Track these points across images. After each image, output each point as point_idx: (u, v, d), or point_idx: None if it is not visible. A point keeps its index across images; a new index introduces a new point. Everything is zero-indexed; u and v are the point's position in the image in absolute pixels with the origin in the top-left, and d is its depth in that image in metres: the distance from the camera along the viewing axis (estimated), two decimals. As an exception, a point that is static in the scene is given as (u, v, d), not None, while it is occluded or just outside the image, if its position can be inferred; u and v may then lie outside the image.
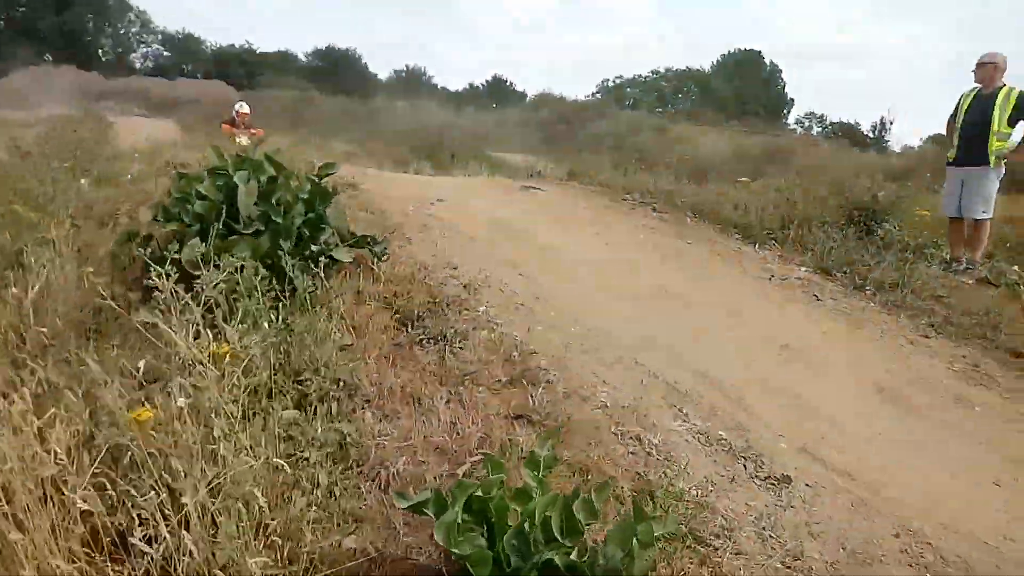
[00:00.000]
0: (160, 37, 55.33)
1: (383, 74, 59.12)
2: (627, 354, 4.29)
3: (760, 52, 54.29)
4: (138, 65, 53.52)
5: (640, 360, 4.24)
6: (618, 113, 31.61)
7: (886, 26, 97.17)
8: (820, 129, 42.11)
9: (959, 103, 6.78)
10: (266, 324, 3.13)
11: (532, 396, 3.53)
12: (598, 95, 46.73)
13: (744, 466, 3.41)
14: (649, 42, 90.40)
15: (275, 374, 3.03)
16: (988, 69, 6.59)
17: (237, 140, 11.19)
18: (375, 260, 4.56)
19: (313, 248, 4.05)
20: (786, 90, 55.06)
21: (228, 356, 2.44)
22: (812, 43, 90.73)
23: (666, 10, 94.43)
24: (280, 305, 3.33)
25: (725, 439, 3.60)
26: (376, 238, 4.56)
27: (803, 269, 6.53)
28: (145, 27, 55.02)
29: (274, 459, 2.18)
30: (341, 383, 3.22)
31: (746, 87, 51.42)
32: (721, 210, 7.54)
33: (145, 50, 55.72)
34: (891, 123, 32.98)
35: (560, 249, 6.08)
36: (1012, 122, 6.51)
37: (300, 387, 3.07)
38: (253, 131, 12.24)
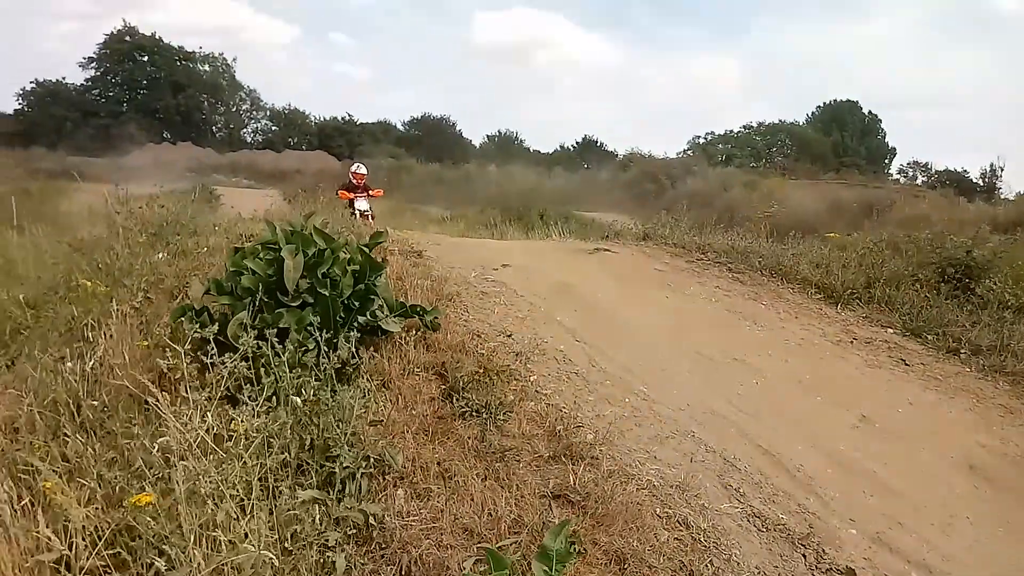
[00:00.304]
0: (268, 113, 58.81)
1: (477, 139, 60.73)
2: (684, 427, 4.07)
3: (857, 102, 52.87)
4: (248, 139, 57.07)
5: (698, 434, 4.02)
6: (707, 169, 31.21)
7: (988, 68, 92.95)
8: (925, 179, 40.27)
9: None
10: (297, 399, 3.11)
11: (575, 473, 3.37)
12: (689, 151, 46.36)
13: (804, 555, 3.14)
14: (741, 96, 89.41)
15: (301, 451, 3.00)
16: None
17: (356, 205, 11.34)
18: (426, 329, 4.54)
19: (360, 319, 4.05)
20: (887, 139, 53.27)
21: (241, 435, 2.41)
22: (912, 90, 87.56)
23: (755, 64, 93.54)
24: (314, 378, 3.31)
25: (785, 523, 3.33)
26: (426, 307, 4.53)
27: (890, 331, 6.11)
28: (255, 104, 58.73)
29: (262, 550, 2.10)
30: (371, 460, 3.16)
31: (844, 138, 50.00)
32: (800, 269, 7.19)
33: (255, 125, 59.33)
34: (1002, 169, 31.04)
35: (624, 313, 5.91)
36: None
37: (328, 464, 3.02)
38: (371, 192, 11.97)
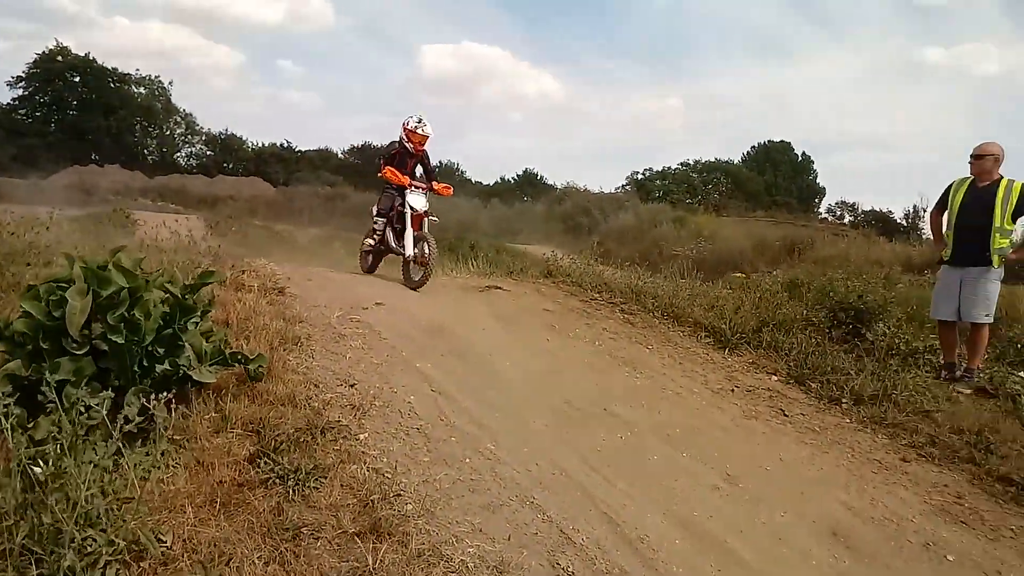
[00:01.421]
0: (204, 137, 57.57)
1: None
2: (525, 492, 3.69)
3: (790, 143, 54.29)
4: (182, 164, 55.68)
5: (538, 500, 3.64)
6: (638, 205, 31.35)
7: (916, 114, 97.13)
8: (851, 218, 41.29)
9: (949, 195, 6.11)
10: (37, 468, 2.64)
11: (375, 554, 2.95)
12: (627, 187, 46.73)
13: (623, 649, 2.77)
14: (680, 135, 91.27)
15: (27, 536, 2.52)
16: (988, 161, 5.92)
17: (408, 199, 7.56)
18: (252, 380, 4.09)
19: (159, 368, 3.59)
20: (818, 180, 54.70)
21: None
22: (843, 131, 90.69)
23: (694, 104, 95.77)
24: (101, 439, 2.84)
25: (610, 610, 2.97)
26: (249, 355, 4.09)
27: (774, 378, 5.89)
28: (190, 128, 57.48)
29: None
30: (123, 543, 2.69)
31: (777, 177, 51.15)
32: (693, 312, 6.96)
33: (189, 149, 58.02)
34: (924, 210, 31.98)
35: (496, 359, 5.55)
36: (1014, 217, 5.88)
37: (59, 551, 2.55)
38: (435, 186, 7.88)
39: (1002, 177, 5.90)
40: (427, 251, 7.25)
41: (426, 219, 7.71)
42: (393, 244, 7.82)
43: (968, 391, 5.86)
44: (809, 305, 7.18)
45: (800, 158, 54.70)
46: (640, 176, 49.25)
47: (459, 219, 27.84)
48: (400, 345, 5.33)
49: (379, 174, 7.93)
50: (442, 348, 5.52)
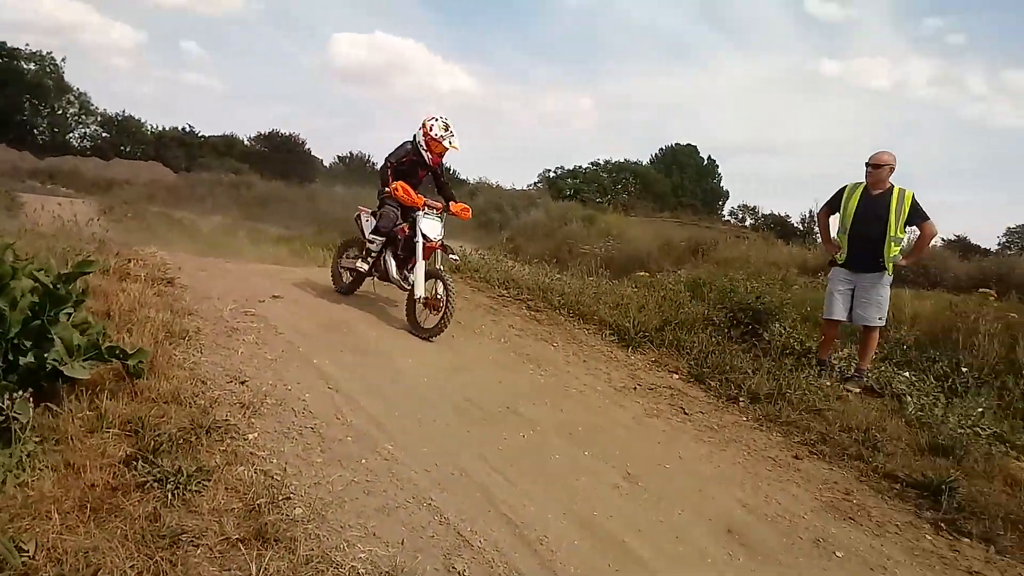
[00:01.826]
0: (99, 118, 54.68)
1: (329, 160, 59.04)
2: (423, 493, 3.57)
3: (695, 146, 55.92)
4: (75, 145, 52.72)
5: (436, 501, 3.53)
6: (549, 202, 31.54)
7: (814, 122, 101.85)
8: (752, 221, 42.86)
9: (843, 200, 6.26)
10: None
11: (260, 561, 2.77)
12: (539, 185, 47.00)
13: (517, 655, 2.69)
14: (592, 135, 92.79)
15: None
16: (885, 171, 6.06)
17: (419, 224, 6.21)
18: (132, 376, 3.82)
19: (23, 362, 3.30)
20: (722, 183, 56.53)
21: None
22: (746, 137, 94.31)
23: (606, 105, 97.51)
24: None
25: (506, 614, 2.89)
26: (129, 349, 3.81)
27: (675, 377, 5.97)
28: (85, 108, 54.43)
29: None
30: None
31: (683, 180, 52.57)
32: (599, 310, 6.99)
33: (84, 131, 54.98)
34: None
35: (398, 356, 5.41)
36: (906, 226, 6.12)
37: None
38: (452, 207, 6.61)
39: (893, 186, 6.12)
40: (441, 293, 5.95)
41: (439, 251, 6.38)
42: (393, 274, 6.36)
43: (857, 390, 6.08)
44: (710, 305, 7.32)
45: (705, 162, 56.45)
46: (552, 174, 49.63)
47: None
48: (297, 341, 5.12)
49: (384, 187, 6.35)
50: (341, 344, 5.34)
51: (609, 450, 4.58)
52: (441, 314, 5.85)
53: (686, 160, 54.64)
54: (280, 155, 54.00)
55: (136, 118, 55.82)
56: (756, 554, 3.77)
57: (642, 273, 10.91)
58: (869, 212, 6.10)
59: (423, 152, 6.48)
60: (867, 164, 6.15)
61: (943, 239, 25.62)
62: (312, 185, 41.08)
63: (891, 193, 6.05)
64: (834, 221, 6.46)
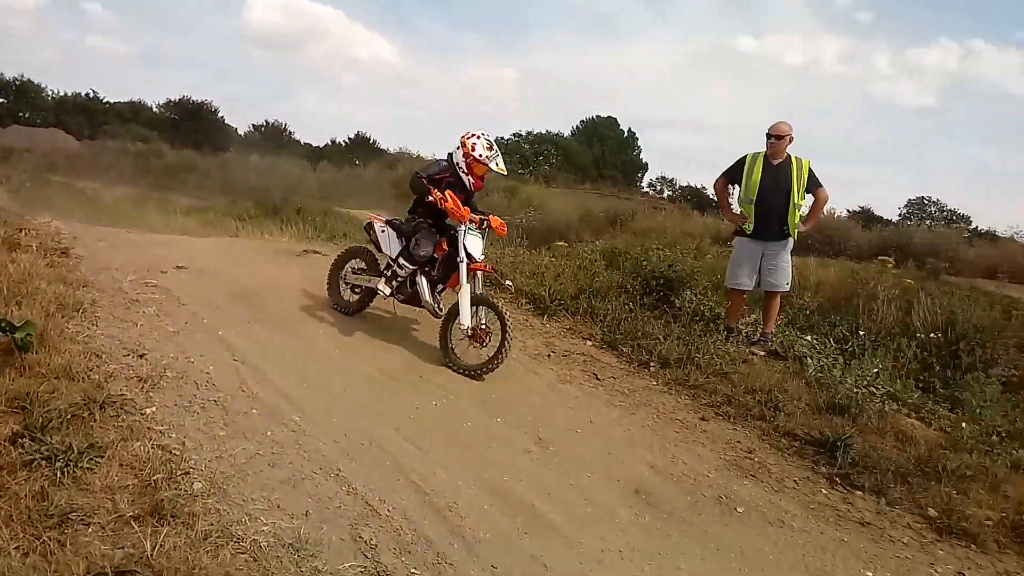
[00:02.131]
0: (-8, 83, 51.42)
1: (243, 128, 57.06)
2: (331, 464, 3.53)
3: (616, 119, 56.40)
4: (-34, 110, 49.53)
5: (344, 472, 3.48)
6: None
7: (729, 97, 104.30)
8: (670, 193, 43.78)
9: (744, 171, 6.39)
10: None
11: (155, 538, 2.68)
12: (460, 155, 46.66)
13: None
14: (513, 105, 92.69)
15: None
16: (786, 141, 6.23)
17: (465, 240, 5.29)
18: (20, 351, 3.62)
19: None
20: (641, 156, 57.31)
21: None
22: (665, 111, 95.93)
23: (528, 76, 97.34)
24: None
25: (414, 582, 2.89)
26: (16, 322, 3.61)
27: (589, 343, 6.05)
28: (-25, 71, 50.98)
29: None
30: None
31: (603, 152, 53.07)
32: (516, 278, 7.01)
33: (-25, 95, 51.64)
34: (735, 187, 34.32)
35: (309, 327, 5.31)
36: (806, 193, 6.32)
37: None
38: (489, 219, 5.52)
39: (790, 155, 6.31)
40: (484, 321, 5.22)
41: (482, 272, 5.40)
42: (427, 298, 5.39)
43: (762, 354, 6.29)
44: (625, 274, 7.43)
45: (626, 134, 57.04)
46: (474, 145, 49.34)
47: (283, 182, 26.69)
48: (202, 312, 4.96)
49: (426, 196, 5.26)
50: (249, 315, 5.19)
51: (522, 417, 4.63)
52: (498, 348, 5.01)
53: (607, 132, 55.15)
54: (191, 123, 51.95)
55: (35, 82, 52.72)
56: (661, 512, 3.89)
57: (560, 243, 10.98)
58: (773, 182, 6.25)
59: (462, 175, 5.43)
60: (769, 135, 6.28)
61: (848, 210, 26.81)
62: (226, 154, 39.71)
63: (791, 162, 6.23)
64: (732, 191, 6.61)
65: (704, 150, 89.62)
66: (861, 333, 7.01)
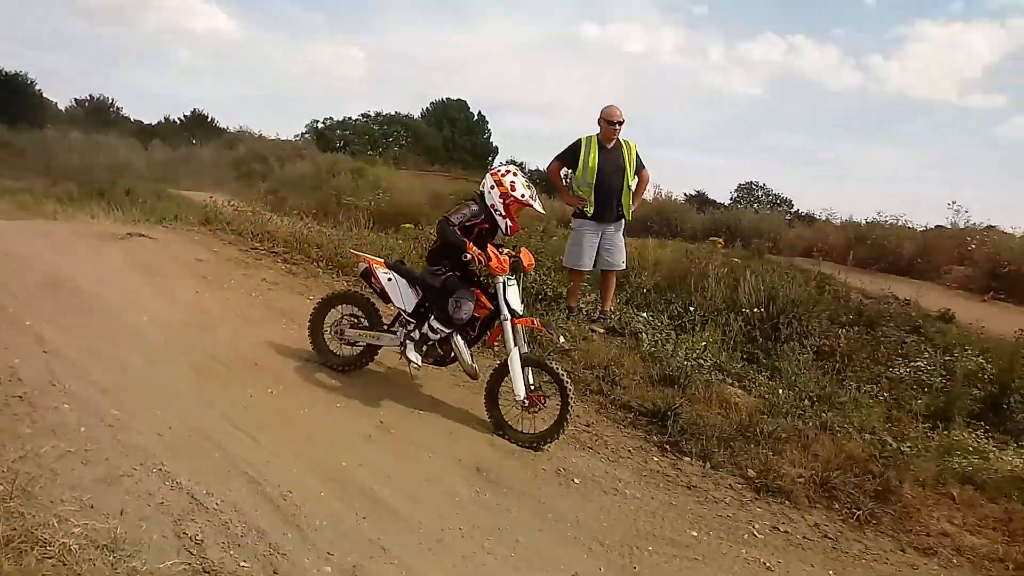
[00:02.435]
0: None
1: (64, 103, 52.21)
2: (153, 458, 3.32)
3: (466, 102, 56.37)
4: None
5: (168, 466, 3.29)
6: (317, 154, 30.48)
7: (578, 83, 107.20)
8: (520, 176, 44.41)
9: (581, 155, 6.52)
10: None
11: (-56, 550, 2.42)
12: (306, 135, 45.15)
13: (256, 616, 2.61)
14: (362, 86, 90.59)
15: None
16: (621, 126, 6.49)
17: (507, 296, 4.61)
18: None
19: None
20: (491, 139, 57.62)
21: None
22: (514, 95, 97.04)
23: (376, 57, 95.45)
24: None
25: (243, 574, 2.77)
26: None
27: (434, 326, 6.03)
28: None
29: None
30: None
31: (454, 135, 52.96)
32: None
33: None
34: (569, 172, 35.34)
35: (131, 315, 4.97)
36: (635, 174, 6.58)
37: None
38: (524, 259, 4.93)
39: (619, 138, 6.54)
40: (533, 381, 4.63)
41: (522, 326, 4.71)
42: (469, 362, 4.69)
43: (601, 331, 6.52)
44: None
45: (476, 117, 57.16)
46: (320, 125, 47.84)
47: (111, 162, 24.89)
48: (6, 302, 4.54)
49: (464, 255, 4.54)
50: (62, 304, 4.81)
51: (364, 401, 4.56)
52: (560, 414, 4.47)
53: (456, 115, 54.98)
54: (2, 96, 47.07)
55: None
56: (502, 488, 3.96)
57: (407, 225, 10.86)
58: (610, 166, 6.46)
59: (499, 219, 4.76)
60: (607, 120, 6.45)
61: (685, 194, 28.27)
62: (44, 131, 36.34)
63: (621, 146, 6.48)
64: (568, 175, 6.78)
65: (553, 134, 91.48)
66: (692, 309, 7.43)
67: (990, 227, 15.12)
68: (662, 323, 6.96)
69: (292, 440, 3.88)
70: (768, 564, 3.75)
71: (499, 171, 4.87)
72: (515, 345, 4.51)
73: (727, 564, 3.71)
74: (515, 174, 4.81)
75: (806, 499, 4.38)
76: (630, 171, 6.47)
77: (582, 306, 6.95)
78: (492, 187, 4.75)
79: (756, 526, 4.09)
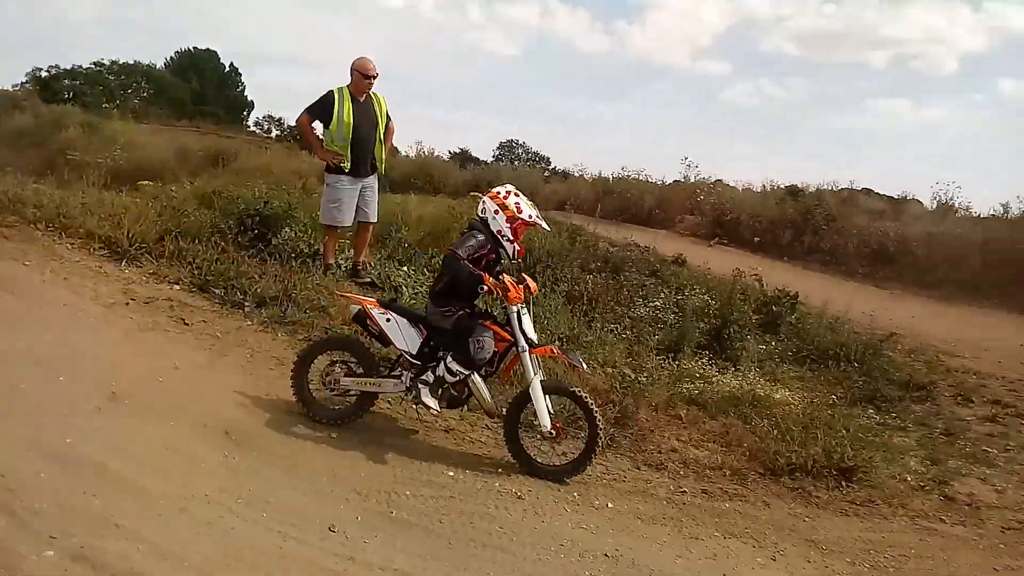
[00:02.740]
0: None
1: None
2: None
3: (216, 52, 52.44)
4: None
5: None
6: (40, 106, 26.97)
7: (335, 37, 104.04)
8: (278, 132, 42.34)
9: (335, 108, 6.28)
10: None
11: None
12: (26, 85, 39.70)
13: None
14: (93, 32, 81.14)
15: None
16: (372, 82, 6.36)
17: (523, 325, 4.32)
18: None
19: None
20: (246, 93, 54.27)
21: None
22: (272, 49, 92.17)
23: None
24: None
25: (-61, 571, 2.46)
26: None
27: (176, 287, 5.66)
28: None
29: None
30: None
31: (203, 87, 49.20)
32: (87, 222, 6.22)
33: None
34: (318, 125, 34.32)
35: None
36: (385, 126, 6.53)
37: None
38: (531, 285, 4.65)
39: (369, 92, 6.44)
40: (553, 409, 4.41)
41: (538, 355, 4.46)
42: (488, 399, 4.48)
43: (364, 283, 6.46)
44: (219, 213, 7.03)
45: (227, 69, 53.43)
46: (44, 74, 42.21)
47: None
48: None
49: (480, 286, 4.27)
50: None
51: (92, 371, 4.19)
52: (588, 443, 4.28)
53: (205, 66, 50.98)
54: None
55: None
56: (252, 450, 3.86)
57: (146, 182, 9.94)
58: (364, 120, 6.35)
59: (506, 244, 4.46)
60: (362, 74, 6.29)
61: (449, 151, 28.64)
62: None
63: (372, 100, 6.40)
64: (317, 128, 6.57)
65: (313, 89, 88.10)
66: (450, 261, 7.57)
67: (717, 181, 16.94)
68: (423, 277, 7.04)
69: (8, 420, 3.47)
70: (519, 493, 4.01)
71: (499, 194, 4.55)
72: (534, 375, 4.31)
73: (481, 498, 3.90)
74: (516, 194, 4.57)
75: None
76: (382, 124, 6.43)
77: (341, 262, 6.83)
78: (496, 212, 4.45)
79: (510, 460, 4.32)
